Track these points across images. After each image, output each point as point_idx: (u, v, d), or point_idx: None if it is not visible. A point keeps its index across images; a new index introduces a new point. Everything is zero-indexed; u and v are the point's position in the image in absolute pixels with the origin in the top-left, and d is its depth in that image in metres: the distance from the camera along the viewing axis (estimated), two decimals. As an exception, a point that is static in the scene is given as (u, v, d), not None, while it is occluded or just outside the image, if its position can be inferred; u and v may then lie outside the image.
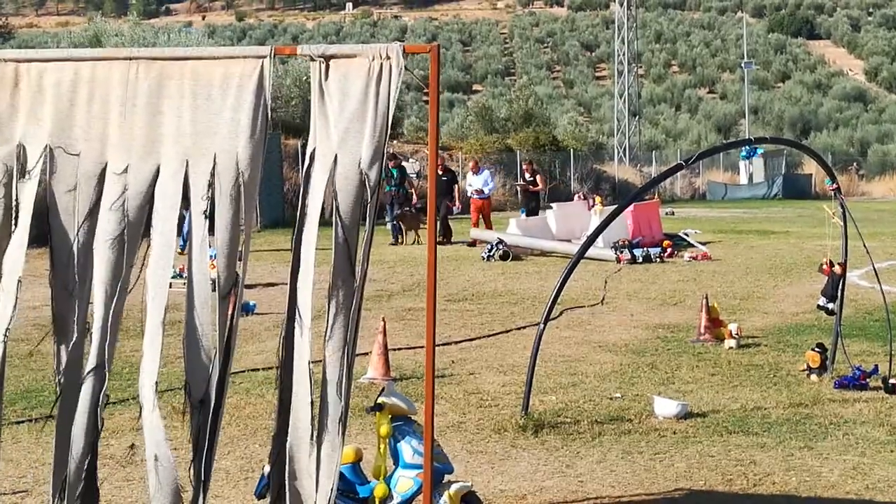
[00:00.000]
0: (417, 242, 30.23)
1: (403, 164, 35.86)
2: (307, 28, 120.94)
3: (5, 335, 6.35)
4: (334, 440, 6.17)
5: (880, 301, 13.47)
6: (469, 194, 32.11)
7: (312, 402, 6.18)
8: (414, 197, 32.06)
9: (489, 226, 30.95)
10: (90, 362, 6.35)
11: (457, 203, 31.17)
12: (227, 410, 10.44)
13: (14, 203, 6.41)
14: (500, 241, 26.93)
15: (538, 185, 34.06)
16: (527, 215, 32.64)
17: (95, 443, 6.49)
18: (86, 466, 6.44)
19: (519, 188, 35.33)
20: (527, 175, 34.17)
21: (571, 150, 55.67)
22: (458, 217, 33.28)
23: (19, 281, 6.33)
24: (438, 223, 30.52)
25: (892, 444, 10.05)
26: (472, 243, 29.41)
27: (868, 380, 12.30)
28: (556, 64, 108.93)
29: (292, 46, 6.45)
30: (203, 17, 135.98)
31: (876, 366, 12.66)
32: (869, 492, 8.66)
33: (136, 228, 6.31)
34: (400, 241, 30.36)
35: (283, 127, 41.44)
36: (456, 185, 31.92)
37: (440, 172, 31.51)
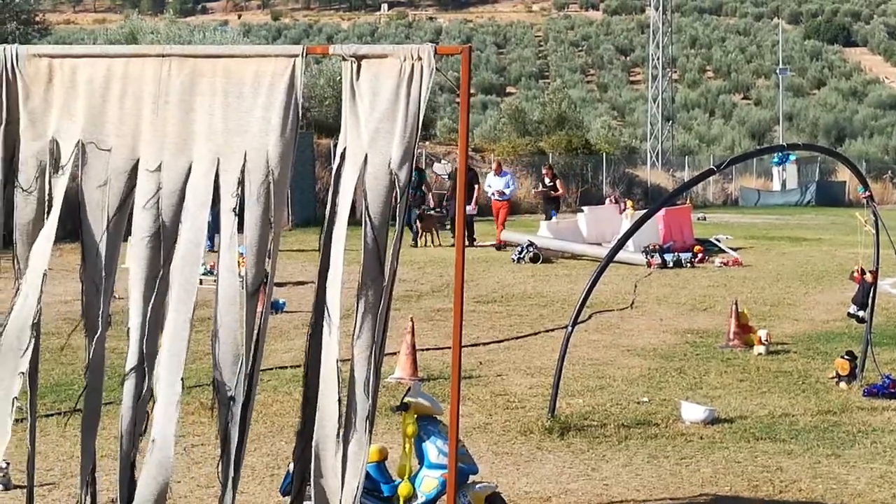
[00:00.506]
0: (433, 244, 30.19)
1: (435, 163, 35.92)
2: (342, 28, 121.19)
3: (33, 329, 6.40)
4: (361, 439, 6.19)
5: (911, 310, 13.40)
6: (490, 195, 31.56)
7: (340, 401, 6.20)
8: (430, 199, 31.75)
9: (500, 228, 30.55)
10: (130, 361, 6.40)
11: (473, 205, 30.55)
12: (255, 408, 10.46)
13: (48, 197, 6.47)
14: (531, 244, 26.92)
15: (558, 190, 33.88)
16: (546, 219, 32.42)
17: (137, 439, 6.55)
18: (130, 462, 6.52)
19: (540, 193, 34.79)
20: (546, 180, 33.99)
21: (604, 153, 55.57)
22: (482, 219, 33.11)
23: (44, 274, 6.39)
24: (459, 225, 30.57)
25: (920, 453, 9.99)
26: (499, 246, 29.34)
27: (897, 388, 12.24)
28: (590, 67, 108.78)
29: (324, 46, 6.48)
30: (239, 16, 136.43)
31: (905, 375, 12.59)
32: (895, 501, 8.62)
33: (172, 227, 6.35)
34: (420, 243, 30.06)
35: (315, 126, 41.54)
36: (476, 186, 31.20)
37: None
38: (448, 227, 31.90)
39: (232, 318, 6.30)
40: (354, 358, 6.18)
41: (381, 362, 6.26)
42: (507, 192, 31.40)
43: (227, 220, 6.28)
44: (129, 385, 6.40)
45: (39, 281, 6.40)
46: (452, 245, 29.12)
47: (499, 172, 31.70)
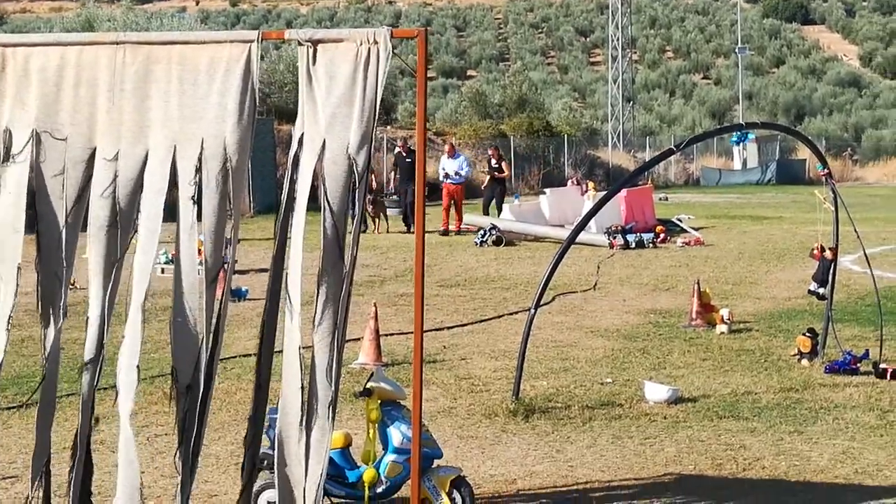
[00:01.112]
0: (378, 230, 29.40)
1: (396, 147, 35.75)
2: (301, 13, 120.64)
3: (8, 324, 6.35)
4: (324, 425, 6.17)
5: (872, 286, 13.49)
6: (441, 178, 30.32)
7: (302, 388, 6.18)
8: (373, 183, 30.26)
9: (460, 213, 29.85)
10: (88, 352, 6.35)
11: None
12: (218, 396, 10.45)
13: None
14: (494, 227, 26.92)
15: (504, 172, 33.09)
16: (491, 201, 31.84)
17: (90, 430, 6.52)
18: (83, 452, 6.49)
19: (487, 175, 33.54)
20: (493, 161, 32.82)
21: (565, 135, 55.58)
22: (431, 204, 32.62)
23: (18, 268, 6.34)
24: (406, 210, 29.92)
25: (881, 428, 10.07)
26: (445, 232, 29.02)
27: (859, 364, 12.33)
28: (550, 49, 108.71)
29: (280, 31, 6.44)
30: (197, 3, 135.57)
31: (867, 350, 12.68)
32: (858, 476, 8.68)
33: (129, 215, 6.30)
34: (372, 229, 29.14)
35: (276, 112, 41.35)
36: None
37: (404, 154, 30.72)
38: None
39: (192, 307, 6.27)
40: (316, 344, 6.16)
41: (343, 348, 6.25)
42: (463, 173, 30.53)
43: (186, 208, 6.24)
44: (87, 376, 6.36)
45: (14, 274, 6.34)
46: (403, 231, 29.04)
47: (452, 154, 30.74)
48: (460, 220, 29.78)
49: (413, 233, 27.88)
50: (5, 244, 6.38)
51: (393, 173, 32.97)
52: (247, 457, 6.58)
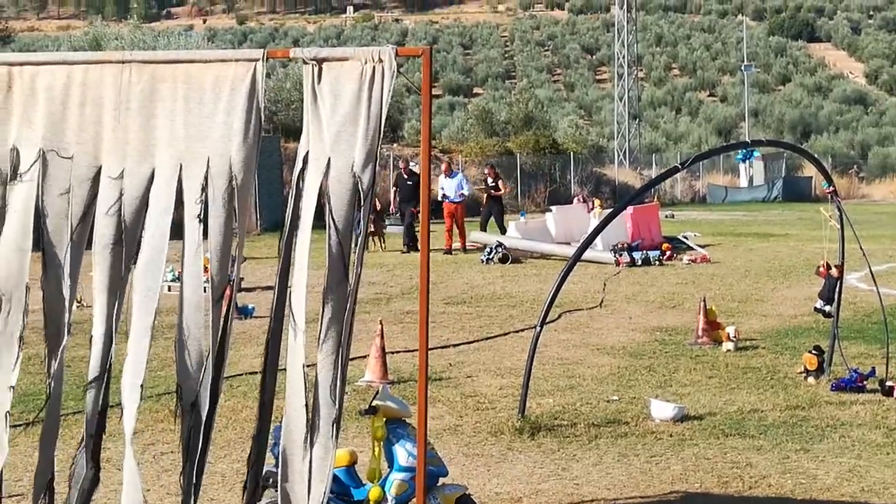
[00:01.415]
0: (381, 248, 29.34)
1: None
2: (308, 31, 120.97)
3: (20, 343, 6.37)
4: (327, 443, 6.17)
5: (878, 304, 13.47)
6: (440, 197, 29.75)
7: (306, 406, 6.18)
8: (376, 203, 30.75)
9: (462, 232, 29.59)
10: (92, 370, 6.36)
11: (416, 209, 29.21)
12: (224, 413, 10.45)
13: (6, 206, 6.42)
14: (500, 244, 26.93)
15: (500, 190, 32.54)
16: (489, 219, 31.62)
17: (98, 447, 6.53)
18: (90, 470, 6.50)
19: (483, 193, 33.17)
20: (489, 180, 32.37)
21: (571, 153, 55.66)
22: (434, 221, 32.36)
23: (27, 287, 6.35)
24: (404, 231, 29.74)
25: (888, 446, 10.05)
26: (448, 251, 28.73)
27: (865, 382, 12.31)
28: (556, 67, 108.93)
29: (285, 49, 6.45)
30: (204, 21, 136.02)
31: (873, 368, 12.67)
32: (865, 494, 8.66)
33: (133, 233, 6.31)
34: (373, 248, 28.77)
35: (283, 130, 41.47)
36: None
37: (405, 176, 30.57)
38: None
39: (197, 325, 6.28)
40: (320, 362, 6.16)
41: (347, 366, 6.25)
42: (465, 192, 30.35)
43: (192, 227, 6.25)
44: (91, 395, 6.37)
45: (22, 293, 6.36)
46: (401, 251, 28.89)
47: (448, 173, 30.39)
48: (463, 238, 29.61)
49: (410, 252, 27.99)
50: (12, 263, 6.40)
51: (393, 194, 32.63)
52: (250, 475, 6.58)
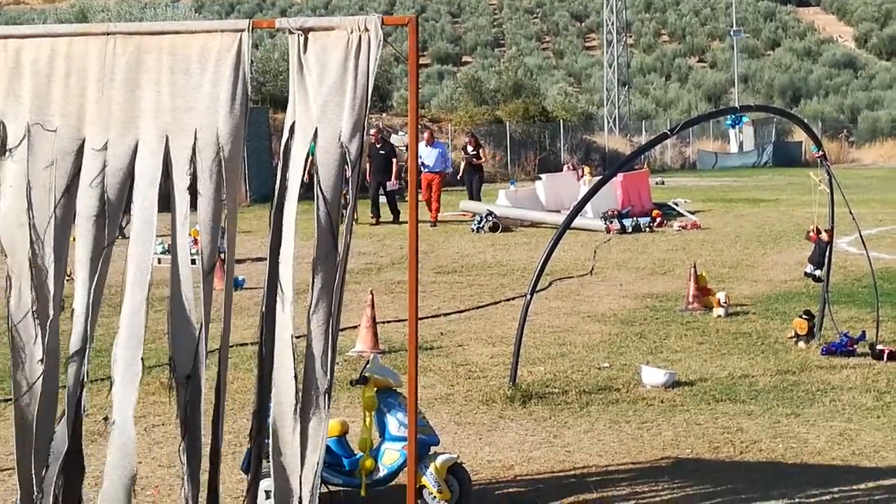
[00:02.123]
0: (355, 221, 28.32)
1: (392, 135, 35.57)
2: (296, 2, 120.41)
3: (35, 316, 6.36)
4: (320, 414, 6.18)
5: (868, 268, 13.50)
6: (421, 167, 28.50)
7: (295, 377, 6.19)
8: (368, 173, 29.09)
9: (437, 204, 28.59)
10: (74, 345, 6.35)
11: (393, 180, 28.43)
12: (211, 385, 10.44)
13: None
14: (490, 213, 26.91)
15: (481, 158, 31.91)
16: (469, 190, 30.92)
17: (80, 423, 6.53)
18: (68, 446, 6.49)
19: (462, 161, 31.95)
20: (469, 148, 31.62)
21: (561, 120, 55.56)
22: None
23: (29, 261, 6.33)
24: (371, 202, 28.61)
25: (878, 409, 10.09)
26: (433, 223, 27.95)
27: (855, 346, 12.35)
28: (545, 34, 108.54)
29: (270, 20, 6.42)
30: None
31: (863, 332, 12.70)
32: (855, 457, 8.69)
33: (117, 206, 6.29)
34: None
35: (271, 101, 41.33)
36: (394, 160, 29.05)
37: (377, 145, 28.90)
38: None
39: (188, 297, 6.27)
40: (311, 333, 6.16)
41: (338, 336, 6.25)
42: (445, 164, 29.36)
43: (181, 199, 6.23)
44: (73, 368, 6.37)
45: (27, 267, 6.34)
46: (371, 223, 28.35)
47: (430, 143, 29.20)
48: (436, 211, 28.66)
49: (377, 224, 27.55)
50: (14, 238, 6.39)
51: (367, 165, 30.01)
52: (253, 449, 6.60)
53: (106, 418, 6.35)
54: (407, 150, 31.91)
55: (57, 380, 6.57)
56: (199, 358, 6.26)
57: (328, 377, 6.15)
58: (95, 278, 6.30)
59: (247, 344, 12.79)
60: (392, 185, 28.76)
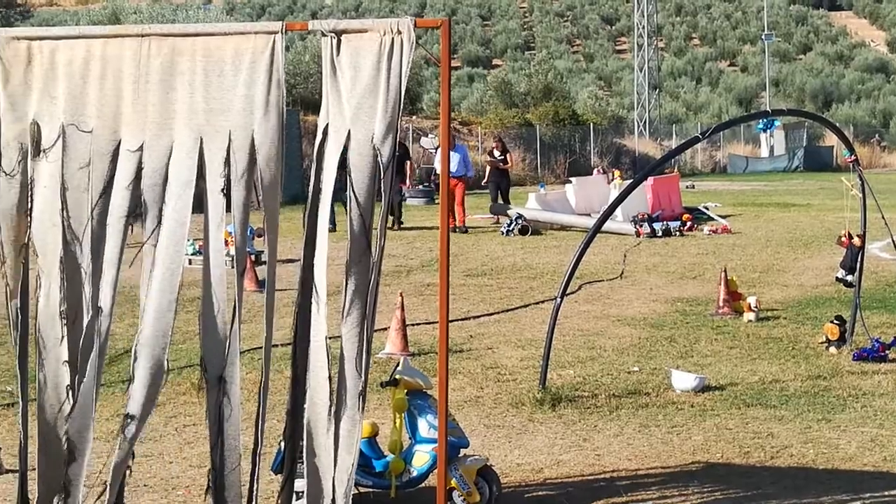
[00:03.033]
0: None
1: (422, 137, 35.48)
2: (326, 4, 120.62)
3: (62, 317, 6.40)
4: (354, 416, 6.19)
5: (900, 273, 13.43)
6: (439, 172, 28.57)
7: (329, 378, 6.20)
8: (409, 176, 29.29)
9: (462, 211, 27.43)
10: (97, 345, 6.38)
11: (408, 183, 27.80)
12: (246, 386, 10.48)
13: (29, 181, 6.44)
14: (520, 216, 26.89)
15: (507, 163, 30.82)
16: (494, 195, 30.09)
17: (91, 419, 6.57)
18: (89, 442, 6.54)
19: (490, 166, 30.65)
20: (496, 152, 30.63)
21: (591, 124, 55.53)
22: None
23: (61, 261, 6.37)
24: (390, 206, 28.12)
25: (910, 416, 10.03)
26: (465, 229, 26.96)
27: (887, 351, 12.27)
28: (575, 38, 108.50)
29: (303, 22, 6.44)
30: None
31: (895, 338, 12.62)
32: (887, 463, 8.64)
33: (152, 207, 6.31)
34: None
35: (302, 103, 41.46)
36: (408, 162, 28.38)
37: None
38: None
39: (220, 299, 6.30)
40: (344, 335, 6.17)
41: (372, 339, 6.26)
42: (467, 169, 28.36)
43: (215, 201, 6.26)
44: (93, 367, 6.40)
45: (57, 269, 6.38)
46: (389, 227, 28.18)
47: (451, 146, 26.95)
48: (462, 215, 27.61)
49: (395, 229, 27.28)
50: (46, 238, 6.42)
51: None
52: (287, 451, 6.62)
53: (130, 416, 6.37)
54: (437, 152, 31.72)
55: (95, 378, 6.57)
56: (231, 360, 6.29)
57: (362, 379, 6.16)
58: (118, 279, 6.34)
59: (276, 345, 12.79)
60: (406, 188, 28.09)
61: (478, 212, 30.46)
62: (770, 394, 10.84)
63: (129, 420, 6.30)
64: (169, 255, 6.26)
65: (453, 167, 27.53)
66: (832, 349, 12.70)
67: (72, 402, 6.44)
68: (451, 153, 27.31)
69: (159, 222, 6.28)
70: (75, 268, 6.37)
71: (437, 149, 34.02)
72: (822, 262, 20.63)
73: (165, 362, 6.28)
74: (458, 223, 26.97)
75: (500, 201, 29.92)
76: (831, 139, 62.56)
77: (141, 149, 6.31)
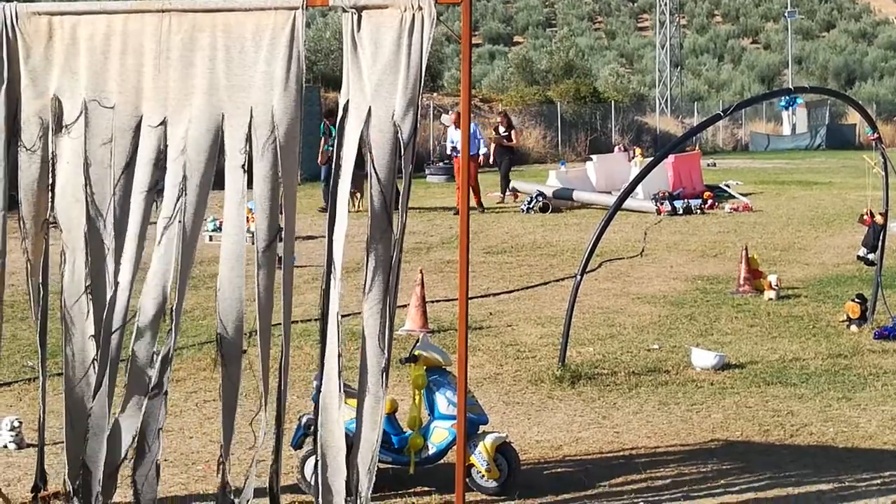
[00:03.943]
0: (354, 207, 23.22)
1: (442, 115, 35.35)
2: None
3: (87, 291, 6.44)
4: (377, 392, 6.21)
5: (922, 252, 13.38)
6: (448, 152, 27.87)
7: (340, 354, 6.24)
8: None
9: (477, 192, 26.32)
10: (116, 321, 6.41)
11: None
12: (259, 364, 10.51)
13: (50, 156, 6.46)
14: (540, 193, 26.84)
15: (512, 140, 29.47)
16: (501, 172, 28.98)
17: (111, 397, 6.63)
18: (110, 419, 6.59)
19: (494, 142, 28.96)
20: (501, 128, 29.30)
21: (612, 101, 55.35)
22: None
23: (85, 235, 6.40)
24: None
25: (931, 395, 10.00)
26: (474, 207, 25.39)
27: (908, 331, 12.24)
28: (597, 15, 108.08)
29: (325, -2, 6.41)
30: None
31: (917, 317, 12.59)
32: (907, 443, 8.63)
33: (173, 182, 6.33)
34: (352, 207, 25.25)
35: (322, 80, 41.40)
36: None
37: None
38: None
39: (238, 275, 6.32)
40: (366, 312, 6.19)
41: (394, 315, 6.26)
42: (482, 150, 27.16)
43: (236, 177, 6.26)
44: (115, 342, 6.44)
45: (82, 244, 6.41)
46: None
47: (458, 123, 25.76)
48: (478, 195, 26.60)
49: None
50: (70, 214, 6.45)
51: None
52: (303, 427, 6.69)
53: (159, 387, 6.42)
54: (455, 129, 31.32)
55: (118, 353, 6.60)
56: (262, 334, 6.34)
57: (385, 356, 6.18)
58: (140, 252, 6.38)
59: (296, 321, 12.84)
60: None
61: (495, 189, 30.34)
62: (790, 372, 10.82)
63: (155, 391, 6.38)
64: (191, 229, 6.28)
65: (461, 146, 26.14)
66: (853, 328, 12.66)
67: (96, 376, 6.49)
68: (458, 130, 26.12)
69: (182, 197, 6.29)
70: (99, 243, 6.40)
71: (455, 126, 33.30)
72: (843, 240, 20.55)
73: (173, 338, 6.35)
74: (476, 202, 26.19)
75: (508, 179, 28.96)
76: (854, 117, 62.24)
77: (163, 124, 6.32)
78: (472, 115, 28.61)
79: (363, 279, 6.17)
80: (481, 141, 28.01)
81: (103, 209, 6.40)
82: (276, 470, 6.51)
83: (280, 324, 6.49)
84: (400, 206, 6.15)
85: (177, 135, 6.31)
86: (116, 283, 6.40)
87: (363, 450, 6.25)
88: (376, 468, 6.28)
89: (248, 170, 6.25)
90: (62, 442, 8.46)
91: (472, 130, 26.96)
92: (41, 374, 6.79)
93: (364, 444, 6.25)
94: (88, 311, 6.46)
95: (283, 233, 6.32)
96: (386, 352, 6.18)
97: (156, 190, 6.34)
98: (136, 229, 6.37)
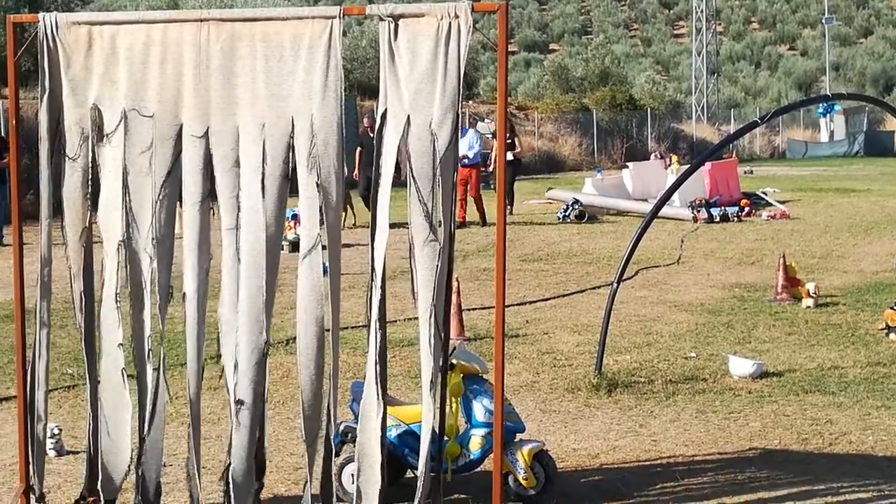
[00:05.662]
0: (354, 224, 24.10)
1: (478, 122, 35.39)
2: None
3: (117, 300, 6.48)
4: (427, 400, 6.23)
5: (962, 259, 13.28)
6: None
7: (376, 362, 6.26)
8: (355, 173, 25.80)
9: (479, 202, 25.14)
10: (188, 327, 6.47)
11: (356, 172, 25.00)
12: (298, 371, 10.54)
13: (90, 165, 6.51)
14: (576, 201, 26.83)
15: (516, 148, 27.88)
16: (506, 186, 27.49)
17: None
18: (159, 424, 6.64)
19: (493, 150, 27.64)
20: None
21: (648, 108, 55.26)
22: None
23: (119, 244, 6.45)
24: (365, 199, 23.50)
25: (971, 403, 9.92)
26: (462, 223, 23.76)
27: (948, 339, 12.15)
28: (633, 22, 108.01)
29: (361, 7, 6.46)
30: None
31: (956, 325, 12.50)
32: (947, 452, 8.56)
33: (225, 192, 6.35)
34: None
35: (359, 88, 41.54)
36: (359, 149, 25.37)
37: (371, 134, 22.31)
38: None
39: (270, 284, 6.36)
40: (420, 320, 6.22)
41: (442, 324, 6.27)
42: (472, 154, 25.06)
43: (276, 186, 6.29)
44: (192, 350, 6.50)
45: (115, 251, 6.47)
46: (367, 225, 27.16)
47: (463, 132, 23.72)
48: (480, 209, 25.22)
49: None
50: (109, 221, 6.49)
51: (357, 155, 25.74)
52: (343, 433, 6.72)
53: (239, 401, 6.45)
54: (493, 137, 31.29)
55: (162, 363, 6.64)
56: (308, 341, 6.37)
57: (433, 364, 6.19)
58: (206, 263, 6.42)
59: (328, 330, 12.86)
60: (355, 175, 25.11)
61: (535, 197, 30.37)
62: (829, 380, 10.76)
63: (239, 405, 6.40)
64: (249, 242, 6.30)
65: (472, 153, 25.14)
66: (892, 336, 12.58)
67: (126, 386, 6.54)
68: (462, 139, 24.18)
69: (237, 208, 6.32)
70: (135, 251, 6.44)
71: (493, 133, 33.26)
72: (882, 247, 20.43)
73: (266, 345, 6.36)
74: (478, 217, 25.13)
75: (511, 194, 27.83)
76: (892, 124, 61.93)
77: (207, 134, 6.34)
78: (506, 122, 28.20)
79: (411, 289, 6.20)
80: (479, 148, 26.03)
81: (140, 218, 6.44)
82: (327, 474, 6.55)
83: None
84: (443, 214, 6.16)
85: (225, 145, 6.32)
86: (170, 292, 6.47)
87: (422, 458, 6.32)
88: (405, 475, 6.31)
89: (291, 179, 6.28)
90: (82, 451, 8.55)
91: (471, 136, 26.25)
92: (88, 382, 6.84)
93: (421, 451, 6.33)
94: (119, 321, 6.52)
95: (323, 239, 6.34)
96: (433, 361, 6.20)
97: (209, 199, 6.39)
98: (195, 240, 6.39)
